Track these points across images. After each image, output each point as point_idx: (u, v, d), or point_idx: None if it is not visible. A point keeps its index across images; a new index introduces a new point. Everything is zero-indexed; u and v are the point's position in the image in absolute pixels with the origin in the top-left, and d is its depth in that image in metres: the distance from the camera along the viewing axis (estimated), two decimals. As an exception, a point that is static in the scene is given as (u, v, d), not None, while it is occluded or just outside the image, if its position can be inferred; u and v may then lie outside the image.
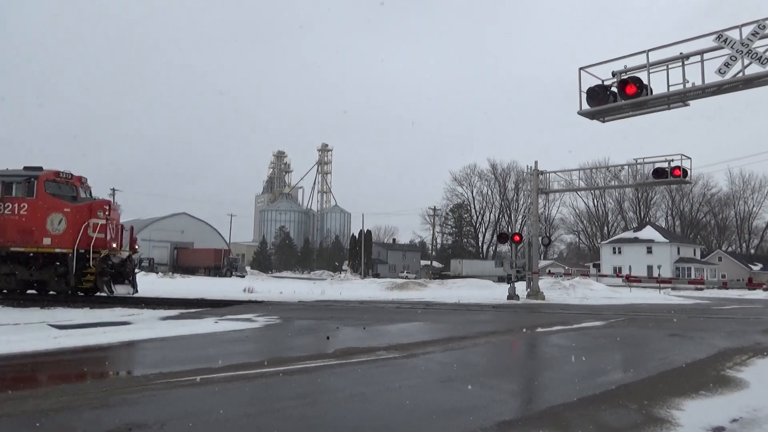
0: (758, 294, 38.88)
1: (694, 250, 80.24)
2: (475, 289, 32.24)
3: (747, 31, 11.06)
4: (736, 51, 11.08)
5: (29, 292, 17.97)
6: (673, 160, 23.84)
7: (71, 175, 18.30)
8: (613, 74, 12.96)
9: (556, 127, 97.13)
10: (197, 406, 5.80)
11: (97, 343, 9.57)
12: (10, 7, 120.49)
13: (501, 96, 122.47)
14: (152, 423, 5.17)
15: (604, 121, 13.99)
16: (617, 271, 67.72)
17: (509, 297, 25.87)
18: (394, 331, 12.45)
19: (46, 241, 16.84)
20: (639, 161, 26.43)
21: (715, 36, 11.45)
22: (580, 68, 13.31)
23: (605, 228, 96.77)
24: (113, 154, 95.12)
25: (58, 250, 16.80)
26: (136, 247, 20.29)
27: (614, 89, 12.92)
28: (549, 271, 75.50)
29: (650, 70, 12.44)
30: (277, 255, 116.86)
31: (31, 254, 16.97)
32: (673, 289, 43.04)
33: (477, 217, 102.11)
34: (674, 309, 20.86)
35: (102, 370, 7.62)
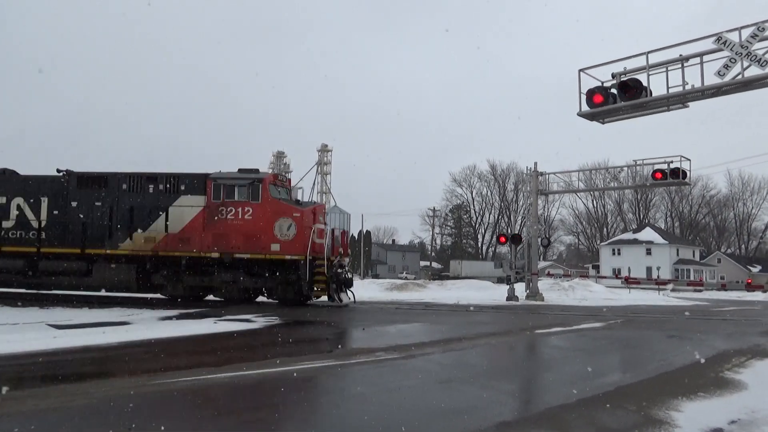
0: (757, 296, 38.91)
1: (693, 252, 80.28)
2: (475, 290, 32.21)
3: (746, 33, 11.08)
4: (736, 53, 11.10)
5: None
6: (672, 162, 23.87)
7: (286, 177, 17.82)
8: (613, 76, 12.98)
9: (556, 128, 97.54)
10: (196, 406, 5.80)
11: (96, 343, 9.57)
12: (9, 6, 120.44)
13: (501, 97, 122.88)
14: (152, 423, 5.17)
15: (603, 123, 14.02)
16: (616, 273, 67.74)
17: (508, 298, 25.86)
18: (393, 332, 12.45)
19: (275, 247, 16.11)
20: (638, 162, 26.46)
21: (714, 38, 11.47)
22: (580, 70, 13.33)
23: (604, 229, 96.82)
24: (113, 153, 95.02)
25: (288, 257, 16.14)
26: (349, 252, 19.55)
27: (614, 91, 12.94)
28: (548, 272, 75.51)
29: (650, 72, 12.46)
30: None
31: (258, 261, 16.33)
32: (672, 290, 43.08)
33: (476, 218, 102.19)
34: (673, 310, 20.88)
35: (101, 371, 7.61)
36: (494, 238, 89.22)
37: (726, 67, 11.27)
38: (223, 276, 16.49)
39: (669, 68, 12.32)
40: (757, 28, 11.02)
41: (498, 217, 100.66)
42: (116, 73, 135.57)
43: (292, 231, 16.08)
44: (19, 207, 17.48)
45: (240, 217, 16.39)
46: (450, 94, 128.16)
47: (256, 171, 17.15)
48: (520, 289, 27.14)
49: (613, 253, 77.55)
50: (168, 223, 16.71)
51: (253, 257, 16.23)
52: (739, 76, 11.24)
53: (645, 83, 12.49)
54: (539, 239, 30.15)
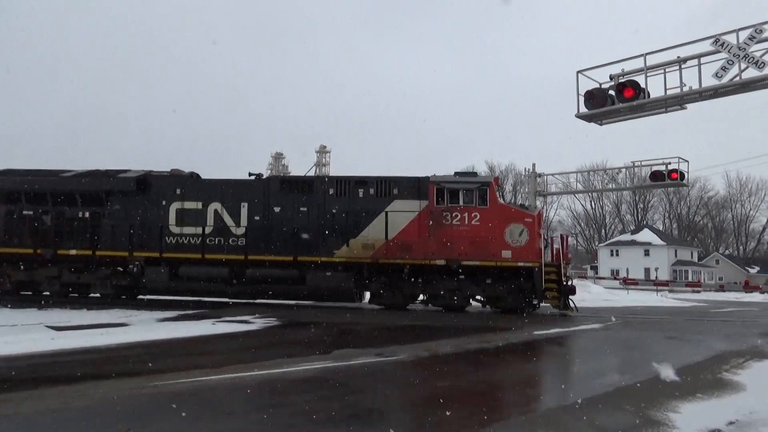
0: (755, 297, 38.94)
1: (692, 253, 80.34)
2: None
3: (744, 35, 11.12)
4: (733, 55, 11.14)
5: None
6: (670, 163, 23.92)
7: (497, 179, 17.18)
8: (611, 77, 13.02)
9: (555, 129, 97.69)
10: (195, 408, 5.80)
11: (94, 345, 9.57)
12: (10, 4, 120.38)
13: (499, 98, 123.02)
14: (150, 425, 5.17)
15: (601, 124, 14.05)
16: (614, 274, 67.74)
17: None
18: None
19: (506, 254, 15.55)
20: (636, 164, 26.52)
21: (712, 40, 11.51)
22: (578, 71, 13.37)
23: (603, 230, 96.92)
24: (113, 153, 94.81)
25: (521, 264, 15.57)
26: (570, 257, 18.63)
27: (612, 92, 12.98)
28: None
29: (648, 74, 12.50)
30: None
31: (486, 269, 15.75)
32: (670, 291, 43.09)
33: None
34: (671, 312, 20.91)
35: (99, 372, 7.61)
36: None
37: (723, 68, 11.31)
38: (447, 284, 16.01)
39: (667, 70, 12.35)
40: (755, 30, 11.06)
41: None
42: (115, 73, 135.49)
43: (524, 237, 15.56)
44: (216, 213, 16.83)
45: (467, 222, 15.84)
46: (449, 96, 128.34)
47: (475, 174, 16.61)
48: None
49: (612, 254, 77.59)
50: (387, 229, 16.18)
51: (482, 264, 15.70)
52: (737, 78, 11.28)
53: (643, 85, 12.53)
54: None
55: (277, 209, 16.70)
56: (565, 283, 16.47)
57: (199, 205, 16.89)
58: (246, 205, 16.78)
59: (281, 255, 16.39)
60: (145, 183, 17.16)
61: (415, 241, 15.99)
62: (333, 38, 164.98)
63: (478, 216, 15.81)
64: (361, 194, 16.52)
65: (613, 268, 73.62)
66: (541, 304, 16.44)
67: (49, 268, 17.04)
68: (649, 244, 74.42)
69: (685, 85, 12.12)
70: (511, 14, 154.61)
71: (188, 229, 16.78)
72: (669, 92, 12.32)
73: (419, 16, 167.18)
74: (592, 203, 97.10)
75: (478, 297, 16.35)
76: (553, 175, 29.83)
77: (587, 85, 13.17)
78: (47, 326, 11.68)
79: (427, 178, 16.36)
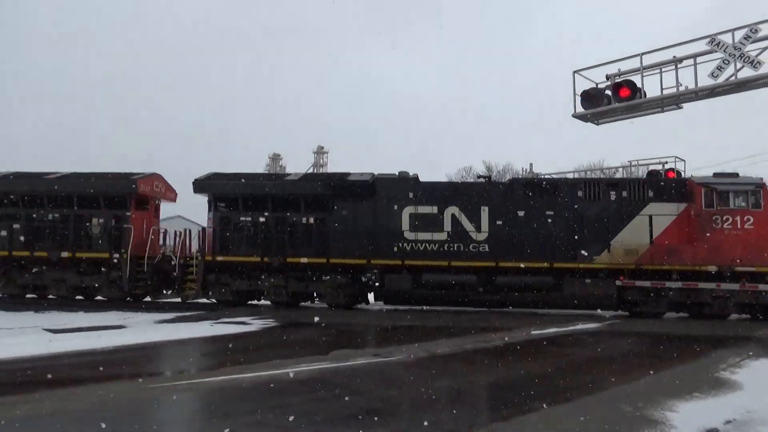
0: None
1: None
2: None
3: (739, 35, 11.13)
4: (729, 54, 11.16)
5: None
6: (666, 163, 23.93)
7: None
8: (607, 77, 13.02)
9: (552, 129, 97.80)
10: (193, 410, 5.80)
11: (91, 347, 9.55)
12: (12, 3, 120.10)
13: (497, 97, 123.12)
14: (148, 427, 5.17)
15: (598, 124, 14.05)
16: (612, 273, 67.77)
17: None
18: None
19: None
20: (633, 163, 26.55)
21: (708, 39, 11.53)
22: (574, 71, 13.36)
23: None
24: (110, 153, 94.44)
25: None
26: None
27: (608, 92, 12.99)
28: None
29: (644, 74, 12.50)
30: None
31: (761, 275, 14.85)
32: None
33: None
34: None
35: (97, 374, 7.59)
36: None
37: (719, 68, 11.32)
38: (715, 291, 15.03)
39: (663, 69, 12.35)
40: (750, 30, 11.08)
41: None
42: (110, 74, 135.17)
43: None
44: (454, 217, 16.14)
45: (739, 226, 15.02)
46: (447, 96, 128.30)
47: (736, 175, 16.00)
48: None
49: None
50: (651, 233, 15.47)
51: (758, 270, 14.85)
52: (733, 78, 11.29)
53: (639, 84, 12.54)
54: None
55: (521, 213, 16.02)
56: None
57: (434, 210, 16.25)
58: (486, 209, 16.12)
59: (535, 261, 15.63)
60: (372, 187, 16.65)
61: (682, 246, 15.28)
62: (331, 38, 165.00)
63: (752, 220, 15.01)
64: (613, 197, 15.89)
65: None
66: None
67: (275, 276, 16.47)
68: (647, 242, 74.41)
69: (681, 85, 12.14)
70: (510, 13, 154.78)
71: (423, 235, 16.16)
72: (665, 92, 12.33)
73: (416, 17, 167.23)
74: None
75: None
76: (550, 174, 29.87)
77: (584, 85, 13.17)
78: (44, 329, 11.66)
79: (686, 180, 15.87)
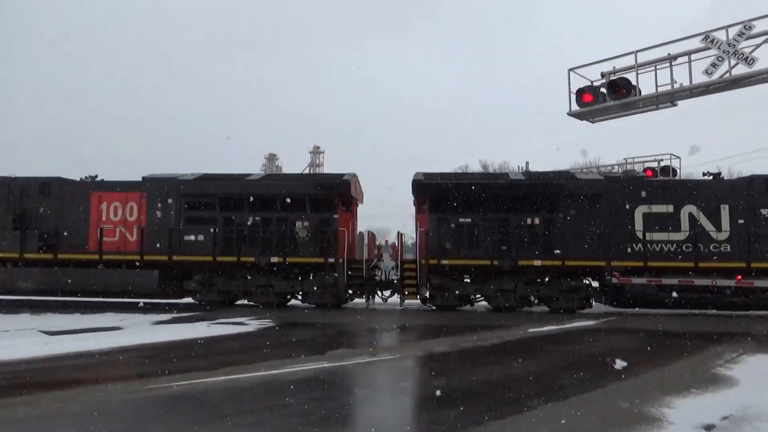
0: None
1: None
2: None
3: (733, 32, 11.17)
4: (723, 52, 11.20)
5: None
6: (662, 160, 24.01)
7: None
8: (603, 75, 13.05)
9: (548, 127, 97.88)
10: (190, 411, 5.78)
11: (88, 349, 9.51)
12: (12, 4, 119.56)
13: (494, 96, 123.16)
14: (145, 428, 5.15)
15: (593, 122, 14.07)
16: (609, 271, 67.94)
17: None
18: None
19: None
20: (629, 161, 26.60)
21: (702, 37, 11.56)
22: (570, 69, 13.37)
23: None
24: (106, 157, 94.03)
25: None
26: None
27: (603, 90, 13.01)
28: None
29: (639, 71, 12.52)
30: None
31: None
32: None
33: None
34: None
35: (94, 376, 7.57)
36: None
37: (714, 65, 11.36)
38: None
39: (658, 67, 12.39)
40: (744, 27, 11.12)
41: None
42: (106, 76, 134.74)
43: None
44: (691, 216, 15.70)
45: None
46: (444, 95, 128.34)
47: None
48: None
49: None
50: None
51: None
52: (727, 75, 11.33)
53: (634, 82, 12.57)
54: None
55: (764, 212, 15.62)
56: None
57: (670, 209, 15.88)
58: (726, 207, 15.75)
59: None
60: (602, 186, 16.36)
61: None
62: (328, 37, 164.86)
63: None
64: None
65: (607, 264, 73.73)
66: None
67: (501, 280, 16.12)
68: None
69: (675, 82, 12.18)
70: (507, 12, 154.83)
71: (658, 235, 15.80)
72: (660, 89, 12.36)
73: (415, 17, 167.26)
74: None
75: None
76: (546, 172, 29.87)
77: (579, 83, 13.20)
78: (41, 331, 11.61)
79: None
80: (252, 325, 12.91)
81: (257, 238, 16.65)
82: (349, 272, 16.42)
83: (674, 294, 15.33)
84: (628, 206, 16.00)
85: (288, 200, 16.74)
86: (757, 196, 15.79)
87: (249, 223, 16.79)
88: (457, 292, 16.26)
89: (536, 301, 16.43)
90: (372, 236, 18.08)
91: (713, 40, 11.35)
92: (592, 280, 16.30)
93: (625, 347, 10.66)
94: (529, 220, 16.12)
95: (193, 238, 16.84)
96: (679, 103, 13.00)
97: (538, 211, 16.29)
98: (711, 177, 17.00)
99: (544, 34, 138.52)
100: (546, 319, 14.36)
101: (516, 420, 5.50)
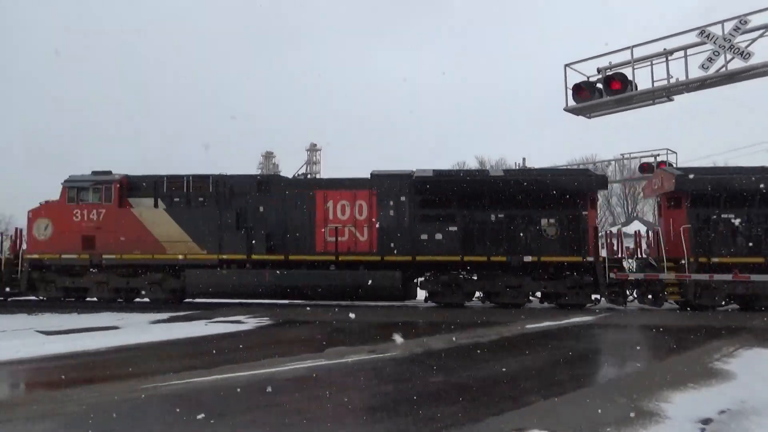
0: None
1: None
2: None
3: (729, 26, 11.16)
4: (719, 46, 11.18)
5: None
6: (659, 155, 24.04)
7: None
8: (599, 70, 13.03)
9: (545, 123, 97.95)
10: (187, 410, 5.77)
11: (85, 349, 9.50)
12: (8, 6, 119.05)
13: (489, 93, 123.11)
14: (143, 427, 5.14)
15: (590, 117, 14.06)
16: (607, 266, 68.07)
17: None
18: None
19: None
20: (626, 156, 26.66)
21: (698, 31, 11.55)
22: (566, 65, 13.35)
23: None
24: (103, 159, 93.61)
25: None
26: None
27: (600, 85, 13.00)
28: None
29: (635, 66, 12.51)
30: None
31: None
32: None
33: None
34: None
35: (91, 376, 7.55)
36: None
37: (710, 60, 11.34)
38: None
39: (654, 62, 12.37)
40: (739, 21, 11.10)
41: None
42: (103, 75, 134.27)
43: None
44: None
45: None
46: (441, 93, 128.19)
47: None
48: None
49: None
50: None
51: None
52: (723, 69, 11.32)
53: (630, 77, 12.55)
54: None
55: None
56: None
57: None
58: None
59: None
60: None
61: None
62: (326, 36, 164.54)
63: None
64: None
65: (605, 260, 73.87)
66: None
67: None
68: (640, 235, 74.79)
69: (672, 77, 12.17)
70: (504, 9, 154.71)
71: None
72: (656, 84, 12.36)
73: (412, 13, 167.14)
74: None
75: None
76: (543, 168, 29.92)
77: (576, 78, 13.18)
78: (37, 331, 11.58)
79: None
80: (249, 323, 12.90)
81: (501, 236, 15.93)
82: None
83: None
84: None
85: (534, 196, 15.98)
86: None
87: (492, 220, 16.07)
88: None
89: None
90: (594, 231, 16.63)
91: (709, 34, 11.34)
92: None
93: (622, 343, 10.69)
94: None
95: (428, 236, 16.12)
96: (676, 97, 13.01)
97: None
98: None
99: (536, 28, 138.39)
100: (542, 316, 14.33)
101: (514, 415, 5.50)
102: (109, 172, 17.16)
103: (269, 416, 5.51)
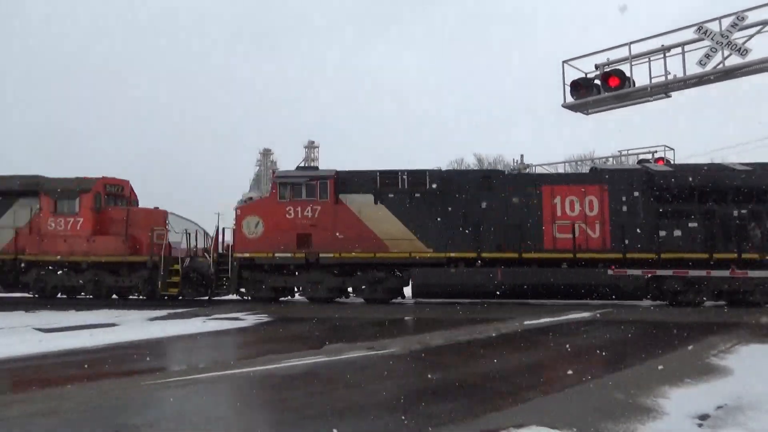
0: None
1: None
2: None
3: (726, 22, 11.17)
4: (716, 42, 11.19)
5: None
6: (656, 152, 24.08)
7: None
8: (596, 67, 13.03)
9: (542, 120, 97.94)
10: (185, 407, 5.77)
11: (83, 346, 9.48)
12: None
13: (488, 90, 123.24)
14: (140, 424, 5.13)
15: (588, 114, 14.06)
16: (604, 263, 68.10)
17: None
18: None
19: None
20: (623, 153, 26.69)
21: (695, 28, 11.55)
22: (564, 61, 13.35)
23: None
24: (99, 160, 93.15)
25: None
26: None
27: (597, 82, 13.00)
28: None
29: (632, 63, 12.51)
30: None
31: None
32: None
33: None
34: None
35: (89, 373, 7.54)
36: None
37: (707, 56, 11.35)
38: None
39: (651, 58, 12.38)
40: (737, 18, 11.11)
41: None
42: (100, 75, 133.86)
43: None
44: None
45: None
46: (436, 88, 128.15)
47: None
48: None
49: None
50: None
51: None
52: (720, 66, 11.33)
53: (628, 74, 12.55)
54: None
55: None
56: None
57: None
58: None
59: None
60: None
61: None
62: (325, 35, 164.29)
63: None
64: None
65: (602, 256, 73.99)
66: None
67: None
68: (638, 232, 74.86)
69: (669, 74, 12.17)
70: (502, 7, 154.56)
71: None
72: (654, 80, 12.36)
73: (408, 11, 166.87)
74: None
75: None
76: (541, 165, 29.97)
77: (574, 75, 13.18)
78: (35, 328, 11.56)
79: None
80: (248, 320, 12.89)
81: (744, 233, 15.35)
82: None
83: None
84: None
85: None
86: None
87: (735, 216, 15.43)
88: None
89: None
90: None
91: (706, 31, 11.35)
92: None
93: (619, 339, 10.71)
94: None
95: (666, 233, 15.51)
96: (673, 94, 13.02)
97: None
98: None
99: (534, 26, 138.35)
100: (540, 312, 14.34)
101: (512, 412, 5.50)
102: (316, 168, 16.27)
103: (267, 413, 5.51)
